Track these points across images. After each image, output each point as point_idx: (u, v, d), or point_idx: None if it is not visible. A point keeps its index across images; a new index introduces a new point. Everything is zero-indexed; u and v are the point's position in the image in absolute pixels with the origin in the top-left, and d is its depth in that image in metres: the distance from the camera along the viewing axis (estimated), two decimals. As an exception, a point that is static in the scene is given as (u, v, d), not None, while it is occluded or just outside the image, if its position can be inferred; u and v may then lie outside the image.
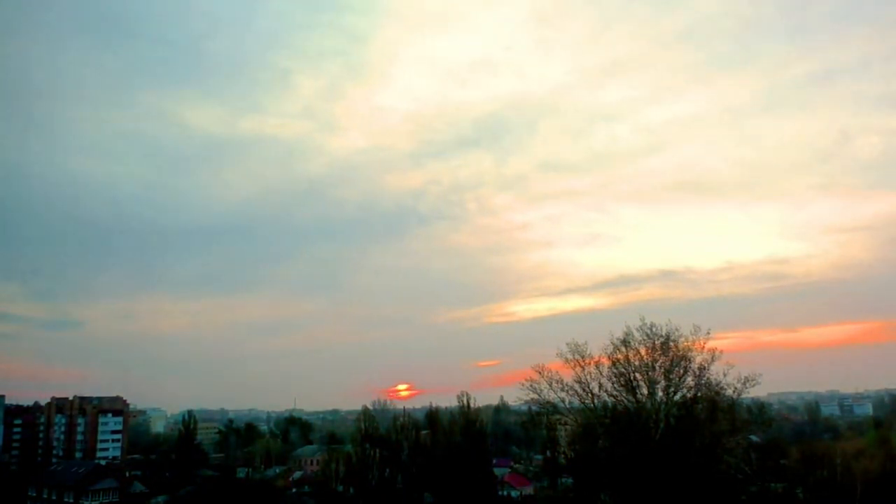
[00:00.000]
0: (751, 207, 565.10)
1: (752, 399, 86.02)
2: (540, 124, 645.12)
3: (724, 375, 54.51)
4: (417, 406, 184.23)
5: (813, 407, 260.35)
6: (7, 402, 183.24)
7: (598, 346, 60.06)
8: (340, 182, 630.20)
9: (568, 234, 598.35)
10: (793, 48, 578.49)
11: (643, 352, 57.14)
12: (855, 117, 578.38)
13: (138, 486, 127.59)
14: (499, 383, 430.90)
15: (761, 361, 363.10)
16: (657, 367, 56.49)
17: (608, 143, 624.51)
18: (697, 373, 55.55)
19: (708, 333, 55.87)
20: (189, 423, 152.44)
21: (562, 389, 59.55)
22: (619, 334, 58.31)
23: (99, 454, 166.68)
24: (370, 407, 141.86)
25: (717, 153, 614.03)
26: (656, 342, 56.53)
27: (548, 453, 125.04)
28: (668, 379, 56.23)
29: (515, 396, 65.84)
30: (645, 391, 57.27)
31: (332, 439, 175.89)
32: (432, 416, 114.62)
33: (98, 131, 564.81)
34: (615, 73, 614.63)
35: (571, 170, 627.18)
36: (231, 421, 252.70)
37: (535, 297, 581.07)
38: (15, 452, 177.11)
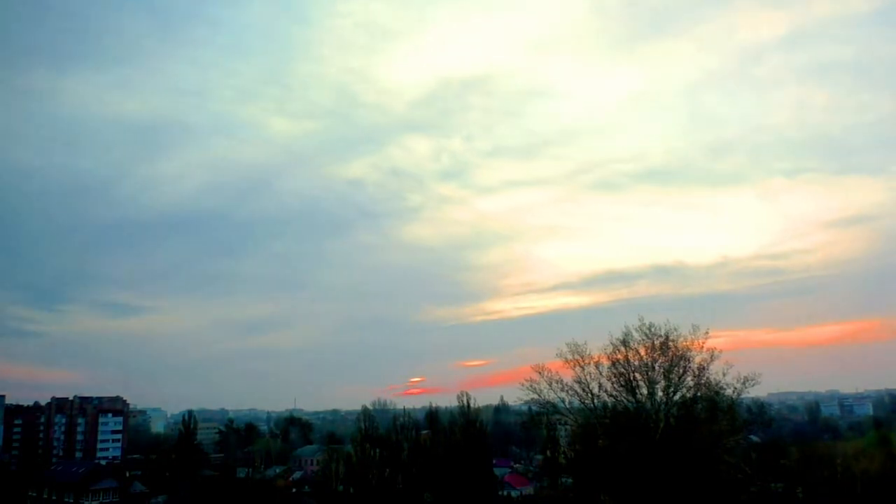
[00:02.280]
0: (732, 197, 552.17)
1: (752, 399, 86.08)
2: (480, 105, 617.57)
3: (724, 375, 54.70)
4: (417, 406, 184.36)
5: (813, 407, 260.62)
6: (7, 402, 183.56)
7: (588, 345, 60.22)
8: (280, 172, 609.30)
9: (539, 227, 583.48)
10: (743, 10, 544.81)
11: (642, 352, 57.22)
12: (824, 90, 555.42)
13: (138, 486, 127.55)
14: (489, 383, 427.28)
15: (760, 360, 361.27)
16: (657, 367, 56.55)
17: (556, 126, 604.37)
18: (697, 373, 55.63)
19: (707, 333, 56.02)
20: (189, 423, 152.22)
21: (562, 389, 59.76)
22: (616, 333, 58.52)
23: (99, 454, 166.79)
24: (370, 407, 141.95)
25: (679, 137, 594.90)
26: (655, 342, 56.61)
27: (548, 453, 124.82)
28: (667, 379, 56.27)
29: (515, 396, 65.99)
30: (645, 391, 57.32)
31: (332, 439, 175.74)
32: (432, 416, 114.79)
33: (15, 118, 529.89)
34: (552, 47, 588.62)
35: (522, 157, 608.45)
36: (231, 421, 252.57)
37: (520, 294, 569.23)
38: (15, 452, 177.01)
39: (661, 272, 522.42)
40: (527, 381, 59.95)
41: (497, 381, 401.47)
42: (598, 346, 59.69)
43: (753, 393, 60.44)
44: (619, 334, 58.25)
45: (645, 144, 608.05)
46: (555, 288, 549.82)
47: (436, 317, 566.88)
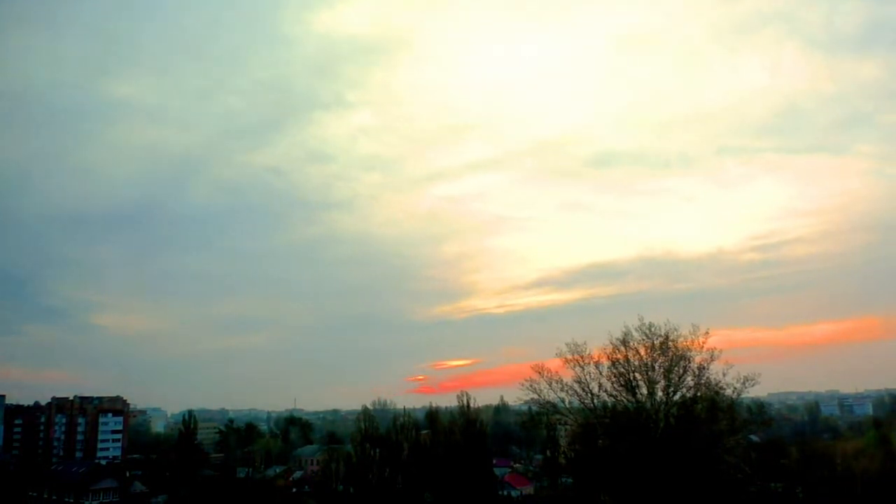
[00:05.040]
0: (694, 183, 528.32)
1: (752, 399, 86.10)
2: (389, 76, 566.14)
3: (724, 375, 54.77)
4: (417, 406, 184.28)
5: (813, 407, 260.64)
6: (7, 402, 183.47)
7: (586, 344, 60.09)
8: (200, 160, 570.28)
9: (496, 219, 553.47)
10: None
11: (642, 351, 57.30)
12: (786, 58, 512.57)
13: (138, 486, 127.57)
14: (475, 382, 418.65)
15: (759, 360, 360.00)
16: (656, 367, 56.62)
17: (484, 103, 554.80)
18: (697, 372, 55.72)
19: (707, 333, 56.08)
20: (189, 422, 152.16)
21: (561, 389, 59.84)
22: (602, 328, 58.88)
23: (99, 454, 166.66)
24: (370, 407, 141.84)
25: (624, 113, 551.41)
26: (655, 342, 56.69)
27: (548, 453, 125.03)
28: (667, 378, 56.34)
29: (515, 396, 66.04)
30: (644, 391, 57.39)
31: (332, 439, 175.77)
32: (432, 416, 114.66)
33: None
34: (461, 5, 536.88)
35: (450, 141, 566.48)
36: (231, 421, 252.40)
37: (502, 291, 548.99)
38: (15, 452, 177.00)
39: (649, 265, 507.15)
40: (526, 380, 60.12)
41: (483, 381, 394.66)
42: (580, 344, 59.78)
43: (753, 393, 60.63)
44: (601, 330, 58.70)
45: (588, 123, 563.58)
46: (538, 284, 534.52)
47: (415, 315, 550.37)
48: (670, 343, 56.33)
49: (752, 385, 54.31)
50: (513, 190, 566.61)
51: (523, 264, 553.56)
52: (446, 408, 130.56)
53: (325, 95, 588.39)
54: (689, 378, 56.00)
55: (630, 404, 58.13)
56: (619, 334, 58.30)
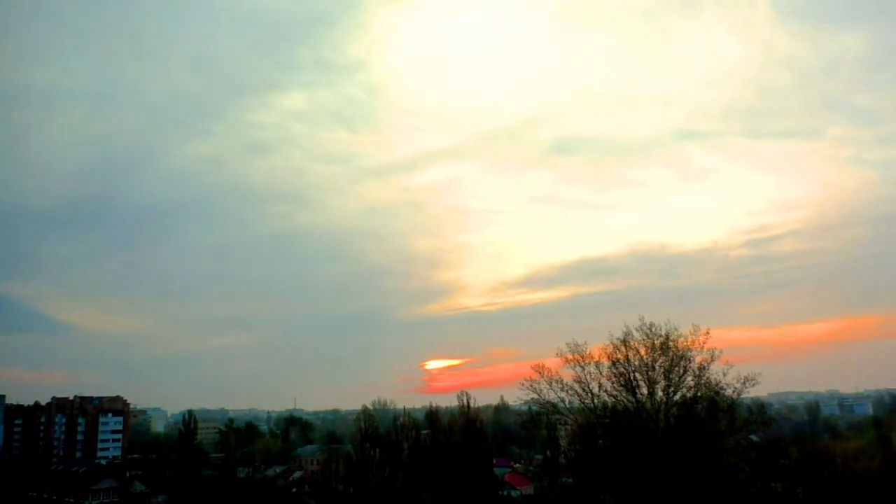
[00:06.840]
0: (678, 179, 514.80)
1: (752, 399, 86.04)
2: (315, 56, 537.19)
3: (724, 375, 54.75)
4: (417, 406, 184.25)
5: (813, 407, 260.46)
6: (7, 401, 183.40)
7: (586, 343, 59.98)
8: (143, 151, 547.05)
9: (469, 212, 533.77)
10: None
11: (643, 351, 57.28)
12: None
13: (138, 486, 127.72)
14: (470, 383, 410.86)
15: (758, 359, 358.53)
16: (657, 367, 56.59)
17: (430, 82, 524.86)
18: (697, 372, 55.68)
19: (707, 333, 56.09)
20: (189, 422, 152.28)
21: (562, 389, 59.79)
22: (611, 329, 58.72)
23: (99, 454, 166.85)
24: (370, 407, 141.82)
25: (585, 96, 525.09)
26: (656, 342, 56.66)
27: (548, 453, 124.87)
28: (667, 379, 56.32)
29: (515, 396, 66.07)
30: (645, 391, 57.36)
31: (332, 439, 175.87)
32: (432, 416, 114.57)
33: None
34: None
35: (396, 132, 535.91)
36: (231, 421, 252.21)
37: (492, 288, 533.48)
38: (15, 452, 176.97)
39: (639, 261, 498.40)
40: (526, 380, 60.11)
41: (477, 381, 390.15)
42: (580, 343, 59.69)
43: (753, 392, 60.57)
44: (594, 327, 58.84)
45: (543, 105, 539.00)
46: (527, 281, 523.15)
47: (401, 314, 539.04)
48: (671, 343, 56.34)
49: (753, 385, 54.32)
50: (477, 181, 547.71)
51: (506, 259, 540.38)
52: (446, 408, 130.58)
53: (250, 78, 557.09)
54: (689, 378, 56.01)
55: (630, 404, 58.08)
56: (615, 332, 58.49)
